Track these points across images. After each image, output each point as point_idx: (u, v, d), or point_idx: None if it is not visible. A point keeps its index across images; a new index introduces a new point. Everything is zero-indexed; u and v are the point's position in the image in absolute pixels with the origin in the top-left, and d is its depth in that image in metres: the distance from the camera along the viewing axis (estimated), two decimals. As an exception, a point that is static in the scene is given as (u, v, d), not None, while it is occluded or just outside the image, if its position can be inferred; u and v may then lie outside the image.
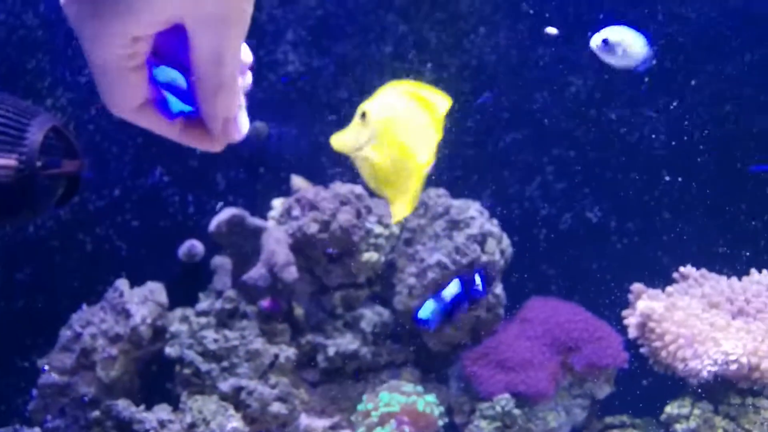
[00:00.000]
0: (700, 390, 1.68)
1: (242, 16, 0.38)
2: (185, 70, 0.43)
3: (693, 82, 1.96)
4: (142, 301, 1.71)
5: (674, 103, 1.98)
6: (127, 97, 0.41)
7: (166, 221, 1.98)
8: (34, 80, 1.88)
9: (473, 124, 2.01)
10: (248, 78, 0.47)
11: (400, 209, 0.74)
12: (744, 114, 1.97)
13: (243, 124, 0.45)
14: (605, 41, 1.40)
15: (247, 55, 0.46)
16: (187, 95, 0.43)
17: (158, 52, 0.42)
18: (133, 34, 0.37)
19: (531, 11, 1.95)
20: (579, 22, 1.95)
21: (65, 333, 1.75)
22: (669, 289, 1.81)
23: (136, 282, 1.82)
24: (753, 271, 1.84)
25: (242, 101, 0.44)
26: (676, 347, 1.68)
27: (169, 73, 0.43)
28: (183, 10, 0.37)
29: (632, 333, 1.76)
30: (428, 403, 1.57)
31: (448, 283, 1.33)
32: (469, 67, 1.97)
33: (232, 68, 0.40)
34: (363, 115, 0.70)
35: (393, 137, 0.71)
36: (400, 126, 0.72)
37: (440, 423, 1.59)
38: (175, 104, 0.43)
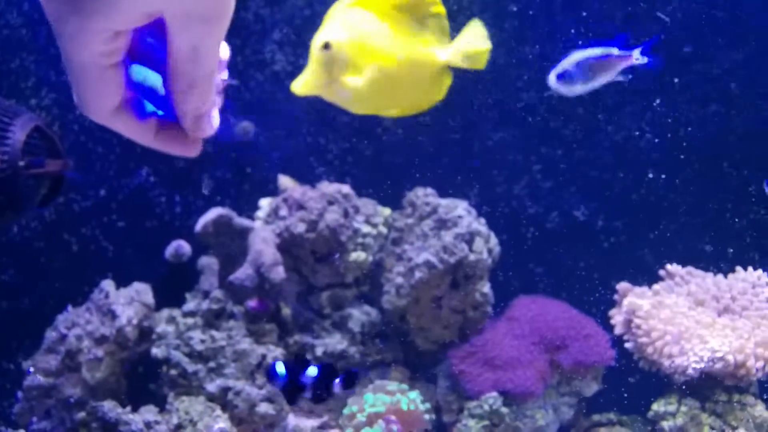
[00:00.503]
0: (685, 387, 1.69)
1: (224, 13, 0.38)
2: (158, 67, 0.42)
3: (678, 81, 1.97)
4: (128, 302, 1.70)
5: (659, 102, 1.99)
6: (104, 97, 0.40)
7: (152, 221, 1.97)
8: (18, 80, 1.87)
9: (460, 122, 2.01)
10: (224, 74, 0.46)
11: (430, 98, 0.69)
12: (729, 113, 1.98)
13: (215, 120, 0.44)
14: (560, 76, 1.40)
15: (224, 51, 0.45)
16: (160, 97, 0.43)
17: (131, 49, 0.41)
18: (115, 28, 0.37)
19: (517, 10, 1.95)
20: (565, 20, 1.95)
21: (50, 334, 1.73)
22: (655, 287, 1.82)
23: (122, 283, 1.81)
24: (738, 268, 1.86)
25: (216, 98, 0.44)
26: (663, 344, 1.69)
27: (142, 72, 0.42)
28: (164, 5, 0.36)
29: (618, 329, 1.76)
30: (412, 400, 1.57)
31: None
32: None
33: (209, 65, 0.40)
34: (326, 46, 0.62)
35: (374, 53, 0.64)
36: (378, 38, 0.64)
37: (427, 417, 1.59)
38: (147, 105, 0.43)
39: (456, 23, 1.95)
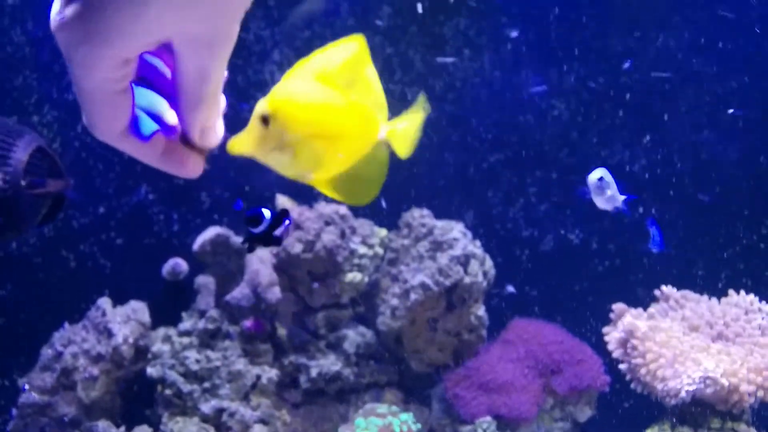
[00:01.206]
0: (679, 412, 1.70)
1: (229, 38, 0.40)
2: (156, 85, 0.44)
3: (669, 109, 1.99)
4: (124, 320, 1.71)
5: (652, 128, 2.01)
6: (113, 120, 0.41)
7: (150, 239, 1.98)
8: (20, 97, 1.89)
9: (456, 145, 2.03)
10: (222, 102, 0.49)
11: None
12: (721, 141, 2.00)
13: (220, 131, 0.46)
14: (601, 179, 1.50)
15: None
16: (156, 116, 0.44)
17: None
18: (125, 56, 0.38)
19: (514, 35, 1.98)
20: (560, 46, 1.98)
21: (46, 352, 1.74)
22: (650, 310, 1.83)
23: (119, 299, 1.82)
24: (731, 292, 1.87)
25: (221, 111, 0.46)
26: (657, 366, 1.69)
27: (141, 93, 0.44)
28: (172, 32, 0.38)
29: (613, 349, 1.77)
30: (404, 422, 1.58)
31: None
32: (453, 89, 2.00)
33: (215, 84, 0.42)
34: (264, 119, 0.62)
35: (311, 129, 0.63)
36: (319, 112, 0.63)
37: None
38: (148, 125, 0.44)
39: (451, 47, 1.98)
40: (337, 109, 0.64)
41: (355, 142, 0.66)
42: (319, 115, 0.63)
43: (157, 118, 0.45)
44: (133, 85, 0.43)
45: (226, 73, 0.47)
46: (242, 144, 0.62)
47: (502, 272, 1.90)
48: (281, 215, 0.88)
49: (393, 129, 0.68)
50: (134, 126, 0.44)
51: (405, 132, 0.69)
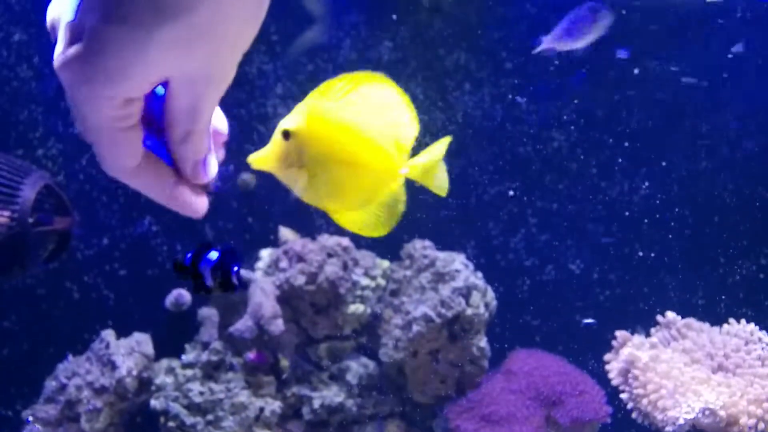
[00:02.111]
0: (681, 444, 1.70)
1: (226, 76, 0.40)
2: (152, 114, 0.45)
3: (669, 139, 2.02)
4: (128, 352, 1.72)
5: (652, 159, 2.03)
6: (122, 158, 0.42)
7: (154, 270, 1.99)
8: (26, 130, 1.91)
9: (457, 176, 2.05)
10: (224, 123, 0.49)
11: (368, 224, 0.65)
12: (720, 170, 2.03)
13: (211, 167, 0.47)
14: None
15: (222, 123, 0.49)
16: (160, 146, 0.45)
17: None
18: (126, 96, 0.38)
19: (512, 67, 2.01)
20: (560, 79, 2.01)
21: (50, 384, 1.75)
22: (652, 339, 1.84)
23: (123, 331, 1.83)
24: (732, 321, 1.88)
25: (212, 146, 0.46)
26: (657, 396, 1.70)
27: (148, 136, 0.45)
28: (171, 71, 0.38)
29: (614, 377, 1.78)
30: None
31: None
32: (454, 121, 2.03)
33: (205, 120, 0.42)
34: (285, 134, 0.62)
35: (331, 152, 0.63)
36: (341, 138, 0.62)
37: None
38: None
39: (454, 81, 2.01)
40: (360, 135, 0.62)
41: (374, 173, 0.65)
42: (340, 138, 0.62)
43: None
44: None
45: (225, 131, 0.48)
46: (262, 158, 0.63)
47: (504, 302, 1.91)
48: (225, 257, 0.83)
49: (415, 165, 0.67)
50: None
51: (428, 168, 0.68)
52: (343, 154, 0.64)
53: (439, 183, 0.71)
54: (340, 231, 1.98)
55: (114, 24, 0.36)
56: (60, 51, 0.38)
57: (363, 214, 0.68)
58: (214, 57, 0.39)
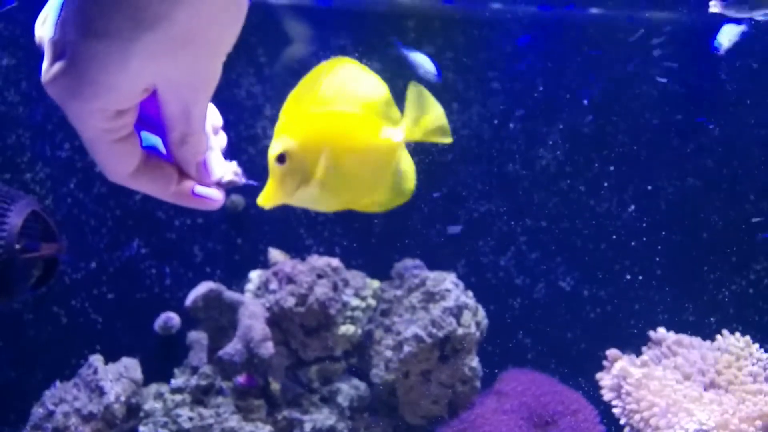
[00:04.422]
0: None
1: (211, 80, 0.41)
2: (154, 122, 0.46)
3: (657, 156, 2.03)
4: (116, 377, 1.70)
5: (639, 176, 2.04)
6: (119, 166, 0.43)
7: (142, 293, 1.98)
8: (14, 155, 1.90)
9: (447, 194, 2.06)
10: (222, 139, 0.51)
11: (393, 194, 0.65)
12: (707, 186, 2.04)
13: (215, 167, 0.48)
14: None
15: (216, 118, 0.51)
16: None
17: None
18: (115, 108, 0.39)
19: (500, 87, 2.02)
20: (547, 98, 2.02)
21: (37, 411, 1.72)
22: (644, 357, 1.84)
23: (111, 355, 1.81)
24: (725, 332, 1.88)
25: (213, 144, 0.48)
26: (650, 414, 1.70)
27: (149, 139, 0.47)
28: (156, 80, 0.39)
29: (607, 394, 1.78)
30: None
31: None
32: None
33: (198, 122, 0.44)
34: (280, 158, 0.62)
35: (329, 153, 0.62)
36: (331, 136, 0.62)
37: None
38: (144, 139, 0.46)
39: (442, 102, 2.01)
40: (346, 123, 0.62)
41: (374, 152, 0.64)
42: (330, 135, 0.62)
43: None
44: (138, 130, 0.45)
45: (218, 122, 0.50)
46: (269, 193, 0.62)
47: (495, 321, 1.91)
48: None
49: (409, 127, 0.66)
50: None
51: (424, 124, 0.67)
52: (340, 149, 0.63)
53: (441, 132, 0.71)
54: (329, 252, 1.98)
55: (94, 38, 0.36)
56: (45, 68, 0.38)
57: (381, 191, 0.67)
58: (196, 63, 0.39)
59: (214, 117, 0.50)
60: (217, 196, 0.49)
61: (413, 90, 0.69)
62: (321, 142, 0.62)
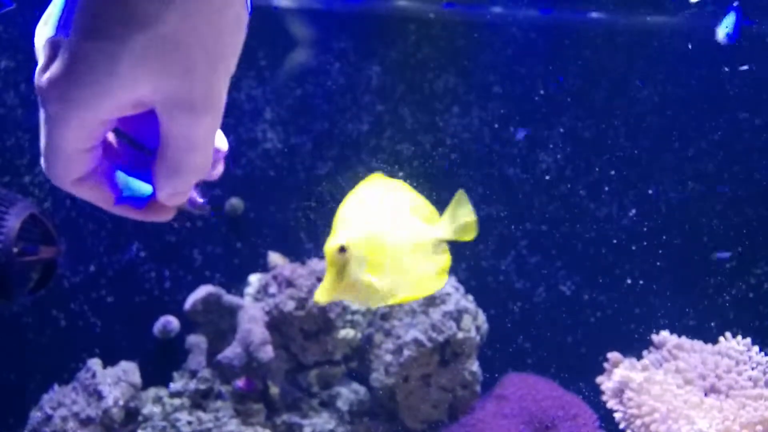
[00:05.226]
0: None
1: (212, 104, 0.38)
2: (141, 146, 0.43)
3: (657, 160, 2.03)
4: (114, 381, 1.69)
5: (640, 180, 2.04)
6: (71, 172, 0.41)
7: (141, 297, 1.97)
8: (12, 157, 1.90)
9: (447, 198, 2.05)
10: (219, 168, 0.47)
11: (431, 285, 0.71)
12: (709, 191, 2.04)
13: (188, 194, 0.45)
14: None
15: (222, 143, 0.46)
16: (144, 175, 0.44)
17: (124, 125, 0.42)
18: (101, 118, 0.38)
19: (502, 92, 2.02)
20: (547, 103, 2.02)
21: (35, 415, 1.71)
22: (644, 361, 1.84)
23: (110, 358, 1.80)
24: (728, 335, 1.87)
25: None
26: (651, 420, 1.69)
27: (122, 178, 0.44)
28: (149, 93, 0.37)
29: (608, 398, 1.77)
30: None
31: None
32: (443, 144, 2.03)
33: (201, 158, 0.40)
34: (341, 250, 0.66)
35: (386, 249, 0.68)
36: (388, 231, 0.69)
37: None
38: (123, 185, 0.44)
39: (442, 105, 2.01)
40: (397, 223, 0.69)
41: (421, 251, 0.72)
42: (387, 232, 0.68)
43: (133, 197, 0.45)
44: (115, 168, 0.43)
45: (224, 147, 0.46)
46: (327, 289, 0.65)
47: (495, 325, 1.90)
48: None
49: (447, 225, 0.75)
50: (128, 195, 0.44)
51: (459, 222, 0.75)
52: (396, 244, 0.69)
53: (469, 232, 0.78)
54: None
55: (86, 39, 0.35)
56: (40, 68, 0.37)
57: (422, 283, 0.73)
58: (190, 75, 0.37)
59: (218, 138, 0.45)
60: (168, 210, 0.45)
61: (459, 196, 0.78)
62: (381, 238, 0.67)
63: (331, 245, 0.65)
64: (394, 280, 0.68)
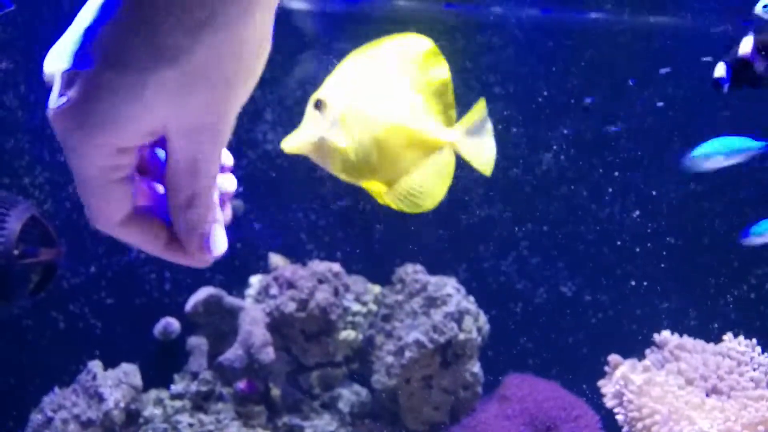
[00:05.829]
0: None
1: (222, 127, 0.39)
2: (159, 178, 0.42)
3: (658, 161, 2.02)
4: (115, 384, 1.69)
5: (641, 181, 2.04)
6: (110, 211, 0.40)
7: (142, 298, 1.97)
8: (12, 159, 1.89)
9: (448, 199, 2.05)
10: (232, 183, 0.46)
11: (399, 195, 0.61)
12: (709, 191, 2.03)
13: (219, 242, 0.43)
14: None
15: (228, 158, 0.46)
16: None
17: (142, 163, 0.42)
18: (118, 145, 0.37)
19: (503, 93, 2.01)
20: (549, 104, 2.02)
21: (36, 417, 1.71)
22: (645, 362, 1.83)
23: (110, 360, 1.80)
24: (729, 336, 1.87)
25: (219, 217, 0.43)
26: (652, 422, 1.69)
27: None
28: (166, 121, 0.37)
29: (609, 400, 1.77)
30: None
31: None
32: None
33: (207, 179, 0.40)
34: (317, 104, 0.59)
35: (367, 116, 0.59)
36: (376, 102, 0.59)
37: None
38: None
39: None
40: (395, 100, 0.59)
41: (422, 140, 0.60)
42: (374, 102, 0.59)
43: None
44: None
45: (229, 162, 0.46)
46: (296, 139, 0.59)
47: (496, 326, 1.90)
48: None
49: (464, 140, 0.61)
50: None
51: (480, 146, 0.64)
52: (380, 119, 0.59)
53: (485, 162, 0.68)
54: (330, 256, 1.97)
55: (109, 69, 0.35)
56: (54, 99, 0.37)
57: (408, 187, 0.63)
58: (212, 104, 0.37)
59: (224, 157, 0.45)
60: (206, 259, 0.43)
61: (481, 105, 0.66)
62: (364, 106, 0.59)
63: (313, 95, 0.60)
64: (373, 159, 0.60)
